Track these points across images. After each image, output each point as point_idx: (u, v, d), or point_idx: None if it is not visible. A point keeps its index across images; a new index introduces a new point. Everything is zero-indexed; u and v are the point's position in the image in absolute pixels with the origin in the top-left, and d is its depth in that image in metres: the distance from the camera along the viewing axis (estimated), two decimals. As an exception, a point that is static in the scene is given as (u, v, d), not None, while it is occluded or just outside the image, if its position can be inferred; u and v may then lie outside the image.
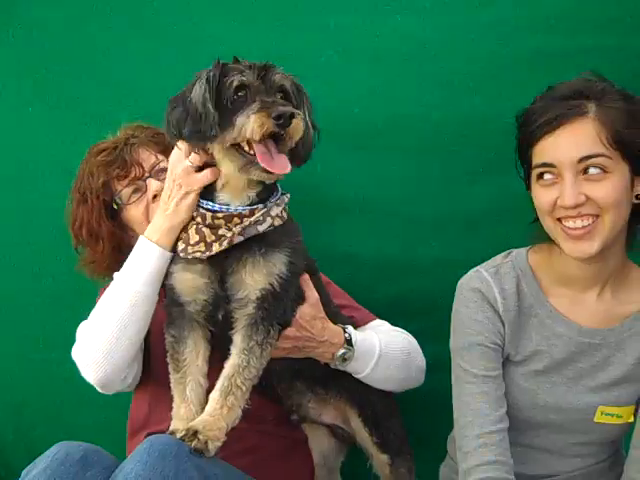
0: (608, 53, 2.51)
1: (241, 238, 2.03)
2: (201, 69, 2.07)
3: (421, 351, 2.43)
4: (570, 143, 1.93)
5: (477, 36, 2.58)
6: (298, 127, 1.95)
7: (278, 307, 2.05)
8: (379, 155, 2.66)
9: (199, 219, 2.08)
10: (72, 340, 2.79)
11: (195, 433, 1.94)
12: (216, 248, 2.03)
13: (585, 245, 1.96)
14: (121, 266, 2.29)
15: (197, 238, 2.06)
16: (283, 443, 2.41)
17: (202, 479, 1.92)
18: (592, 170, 1.92)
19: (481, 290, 2.10)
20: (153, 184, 2.40)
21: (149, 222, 2.32)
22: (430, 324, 2.53)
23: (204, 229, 2.06)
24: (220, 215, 2.05)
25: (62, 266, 2.78)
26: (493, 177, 2.59)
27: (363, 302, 2.52)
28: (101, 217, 2.44)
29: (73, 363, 2.84)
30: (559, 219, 1.97)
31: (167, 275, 2.15)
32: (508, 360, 2.10)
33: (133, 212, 2.44)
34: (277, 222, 2.08)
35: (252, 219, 2.04)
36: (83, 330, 2.27)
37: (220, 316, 2.10)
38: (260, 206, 2.07)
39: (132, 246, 2.30)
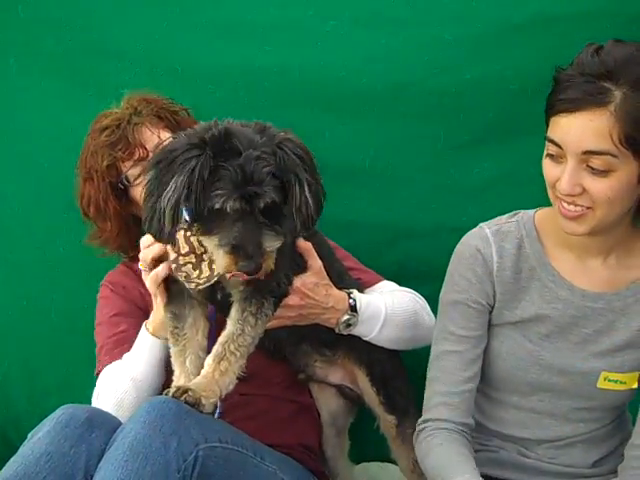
0: (611, 18, 2.48)
1: None
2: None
3: (429, 309, 2.45)
4: (580, 132, 1.87)
5: (477, 2, 2.56)
6: (268, 267, 1.89)
7: (267, 283, 2.04)
8: (382, 121, 2.67)
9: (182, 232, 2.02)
10: (83, 310, 2.87)
11: (186, 391, 1.95)
12: (206, 273, 1.99)
13: (575, 226, 1.96)
14: (130, 245, 2.41)
15: (187, 248, 2.01)
16: (290, 407, 2.44)
17: (202, 435, 1.93)
18: (595, 164, 1.87)
19: (478, 247, 2.10)
20: None
21: None
22: (432, 290, 2.51)
23: (192, 238, 2.00)
24: None
25: (73, 236, 2.79)
26: (496, 143, 2.61)
27: (369, 266, 2.54)
28: (107, 197, 2.44)
29: (84, 332, 2.92)
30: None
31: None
32: (506, 321, 2.11)
33: (140, 192, 2.39)
34: None
35: None
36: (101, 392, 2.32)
37: (219, 296, 2.11)
38: None
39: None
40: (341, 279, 2.32)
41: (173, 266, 2.03)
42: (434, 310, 2.44)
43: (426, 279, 2.61)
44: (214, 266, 1.97)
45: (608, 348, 2.08)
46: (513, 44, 2.56)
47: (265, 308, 2.06)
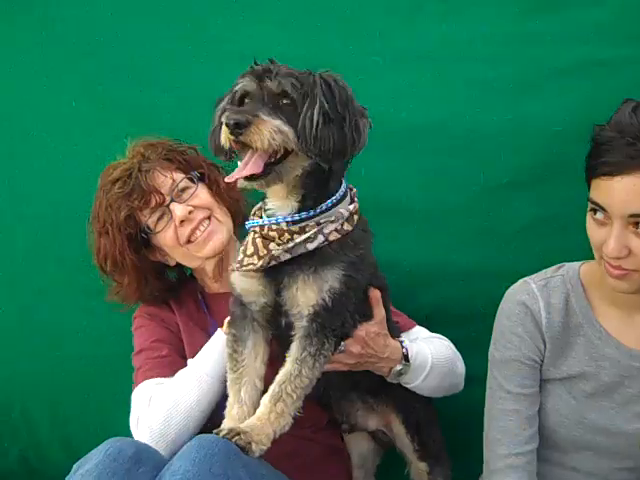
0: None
1: (288, 256, 2.01)
2: (237, 72, 2.06)
3: (460, 356, 2.43)
4: (624, 196, 1.84)
5: (522, 44, 2.55)
6: (254, 134, 1.87)
7: (333, 321, 2.04)
8: (420, 159, 2.64)
9: (257, 228, 2.07)
10: (107, 337, 2.86)
11: (239, 433, 1.94)
12: (261, 263, 2.02)
13: (622, 284, 1.94)
14: (151, 295, 2.43)
15: (252, 249, 2.05)
16: (320, 450, 2.43)
17: (249, 478, 1.92)
18: None
19: (526, 303, 2.08)
20: (177, 210, 2.37)
21: (180, 244, 2.37)
22: (467, 335, 2.53)
23: (258, 240, 2.05)
24: (274, 227, 2.03)
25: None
26: (536, 186, 2.57)
27: (401, 308, 2.51)
28: (124, 249, 2.40)
29: (109, 359, 2.89)
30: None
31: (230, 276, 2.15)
32: (552, 377, 2.09)
33: (163, 238, 2.41)
34: (333, 237, 2.03)
35: (302, 238, 2.01)
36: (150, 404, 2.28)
37: (283, 323, 2.09)
38: (312, 223, 2.03)
39: (166, 265, 2.43)
40: (388, 325, 2.29)
41: (237, 266, 2.07)
42: (465, 354, 2.44)
43: (459, 322, 2.61)
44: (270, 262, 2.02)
45: None
46: (556, 86, 2.54)
47: (325, 349, 2.03)
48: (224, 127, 1.90)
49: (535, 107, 2.55)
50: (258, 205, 2.15)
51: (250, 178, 1.93)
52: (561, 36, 2.53)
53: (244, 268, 2.05)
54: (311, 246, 2.01)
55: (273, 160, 1.94)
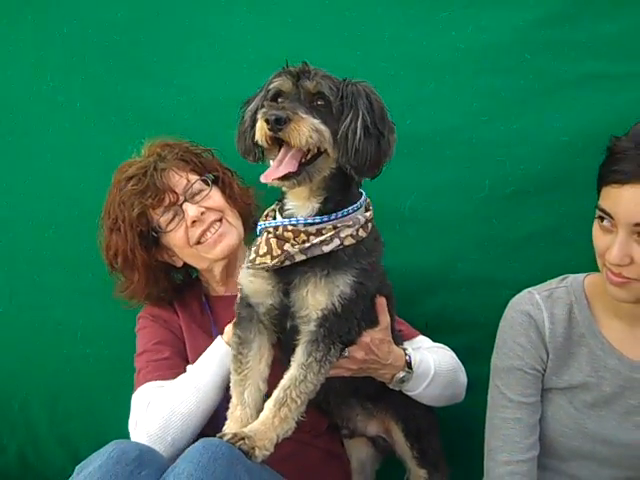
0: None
1: (303, 257, 2.01)
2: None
3: (463, 368, 2.43)
4: (632, 204, 1.87)
5: (531, 54, 2.54)
6: (293, 131, 1.88)
7: (341, 326, 2.04)
8: (425, 166, 2.64)
9: (271, 229, 2.06)
10: (109, 336, 2.85)
11: (243, 438, 1.94)
12: (275, 262, 2.01)
13: (621, 292, 1.96)
14: (158, 294, 2.44)
15: (265, 249, 2.04)
16: (320, 454, 2.43)
17: None
18: None
19: (530, 313, 2.09)
20: (190, 210, 2.38)
21: (190, 245, 2.38)
22: (469, 342, 2.55)
23: (272, 240, 2.04)
24: (290, 228, 2.03)
25: (101, 262, 2.71)
26: (542, 196, 2.57)
27: (404, 315, 2.51)
28: (135, 246, 2.41)
29: (109, 358, 2.89)
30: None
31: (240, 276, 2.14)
32: (553, 387, 2.10)
33: (173, 238, 2.42)
34: (348, 242, 2.03)
35: (318, 239, 2.00)
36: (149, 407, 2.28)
37: (288, 325, 2.09)
38: (329, 226, 2.03)
39: (173, 266, 2.43)
40: (392, 333, 2.28)
41: (248, 264, 2.07)
42: (466, 362, 2.44)
43: (460, 330, 2.62)
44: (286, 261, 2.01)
45: None
46: (565, 97, 2.54)
47: (330, 355, 2.04)
48: (262, 122, 1.89)
49: (542, 117, 2.55)
50: (271, 207, 2.15)
51: (283, 177, 1.93)
52: (572, 48, 2.53)
53: (257, 266, 2.04)
54: (327, 248, 2.01)
55: (304, 160, 1.95)
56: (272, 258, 2.02)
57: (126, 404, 2.84)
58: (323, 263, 2.01)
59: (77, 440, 2.98)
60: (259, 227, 2.10)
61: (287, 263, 2.02)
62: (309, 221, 2.02)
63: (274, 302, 2.08)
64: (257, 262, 2.04)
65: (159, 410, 2.22)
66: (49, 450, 3.03)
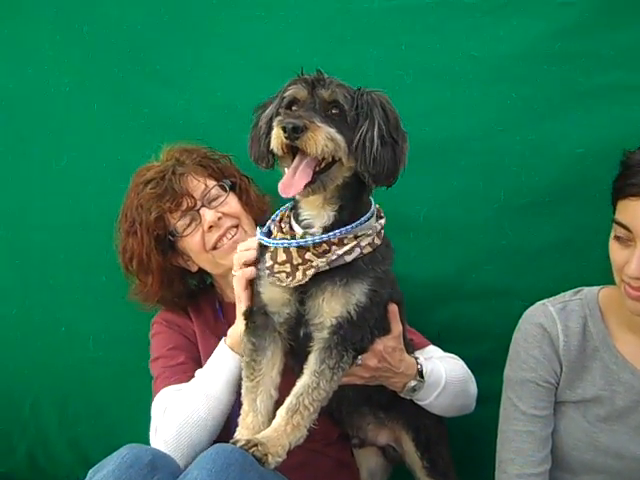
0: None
1: (327, 267, 2.00)
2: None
3: (474, 379, 2.42)
4: None
5: (549, 65, 2.53)
6: (309, 140, 1.88)
7: (355, 334, 2.04)
8: (440, 175, 2.63)
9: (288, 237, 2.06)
10: (120, 340, 2.86)
11: (256, 445, 1.94)
12: (299, 277, 2.00)
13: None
14: (172, 298, 2.44)
15: (284, 257, 2.03)
16: (330, 463, 2.44)
17: None
18: None
19: (544, 325, 2.08)
20: (207, 215, 2.39)
21: (206, 250, 2.38)
22: (481, 353, 2.54)
23: (292, 248, 2.03)
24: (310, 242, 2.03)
25: (115, 265, 2.72)
26: (557, 207, 2.55)
27: (416, 324, 2.51)
28: (151, 250, 2.42)
29: (119, 363, 2.89)
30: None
31: (257, 283, 2.12)
32: (566, 400, 2.09)
33: (189, 242, 2.42)
34: (367, 250, 2.04)
35: (341, 251, 2.00)
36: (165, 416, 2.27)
37: (302, 333, 2.09)
38: (350, 235, 2.03)
39: (187, 271, 2.43)
40: (404, 341, 2.28)
41: (267, 272, 2.05)
42: (477, 373, 2.43)
43: (473, 341, 2.61)
44: (308, 272, 1.99)
45: None
46: (582, 108, 2.53)
47: (343, 362, 2.03)
48: (278, 130, 1.89)
49: (559, 128, 2.54)
50: (283, 212, 2.14)
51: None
52: (588, 59, 2.51)
53: (276, 275, 2.03)
54: (349, 258, 2.01)
55: (318, 169, 1.95)
56: (293, 267, 2.01)
57: (136, 408, 2.87)
58: (342, 272, 2.01)
59: (87, 443, 2.99)
60: (282, 244, 2.05)
61: (309, 275, 2.00)
62: (330, 235, 2.01)
63: (290, 311, 2.07)
64: (275, 270, 2.04)
65: (174, 417, 2.22)
66: (59, 452, 3.03)
